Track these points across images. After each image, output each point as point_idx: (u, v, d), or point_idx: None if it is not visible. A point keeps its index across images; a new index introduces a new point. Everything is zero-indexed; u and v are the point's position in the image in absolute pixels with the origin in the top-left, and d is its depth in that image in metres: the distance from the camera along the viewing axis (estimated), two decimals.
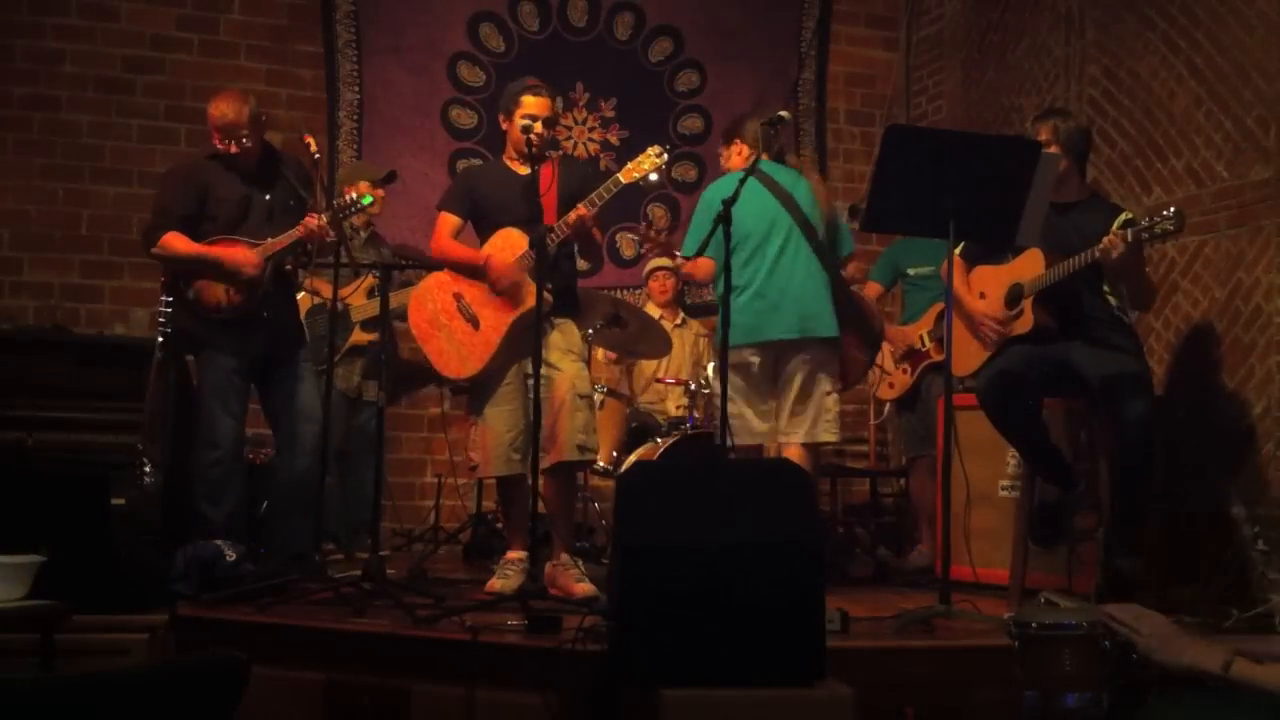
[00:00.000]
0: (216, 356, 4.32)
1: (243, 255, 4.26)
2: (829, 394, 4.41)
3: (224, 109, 4.31)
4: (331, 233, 4.26)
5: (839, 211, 4.70)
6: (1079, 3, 5.48)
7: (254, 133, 4.34)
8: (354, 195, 4.43)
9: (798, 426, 4.38)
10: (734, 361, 4.15)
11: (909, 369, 5.27)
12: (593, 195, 3.95)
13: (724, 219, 3.73)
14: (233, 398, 4.34)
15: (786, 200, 4.44)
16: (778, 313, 4.35)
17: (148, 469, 4.19)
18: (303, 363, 4.53)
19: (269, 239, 4.29)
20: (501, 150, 4.31)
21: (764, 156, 4.32)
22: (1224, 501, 4.33)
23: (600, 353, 5.80)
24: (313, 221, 4.24)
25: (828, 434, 4.42)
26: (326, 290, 4.63)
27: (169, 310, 4.30)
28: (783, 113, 4.12)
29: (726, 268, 3.74)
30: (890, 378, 5.39)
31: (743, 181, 3.88)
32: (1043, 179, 3.74)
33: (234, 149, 4.31)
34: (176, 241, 4.27)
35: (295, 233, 4.27)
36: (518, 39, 6.64)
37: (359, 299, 5.26)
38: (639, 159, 4.01)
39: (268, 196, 4.41)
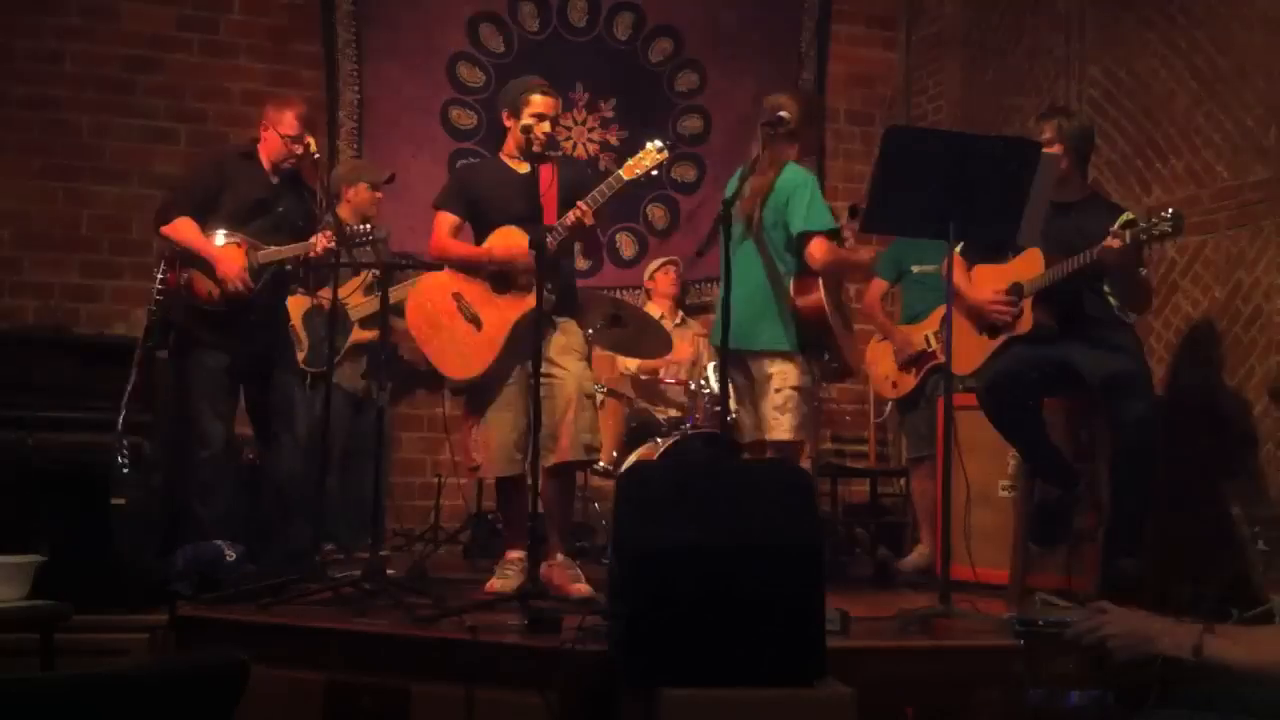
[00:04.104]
0: (205, 356, 4.34)
1: (235, 270, 4.27)
2: (778, 391, 4.19)
3: (297, 108, 4.41)
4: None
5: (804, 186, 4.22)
6: (1079, 3, 5.48)
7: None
8: (367, 226, 4.50)
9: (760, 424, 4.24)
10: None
11: (915, 371, 5.25)
12: (593, 193, 3.95)
13: (724, 219, 3.74)
14: (221, 399, 4.36)
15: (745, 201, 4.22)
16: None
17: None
18: (290, 365, 4.55)
19: (271, 247, 4.32)
20: (499, 148, 4.31)
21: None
22: (1224, 501, 4.33)
23: (617, 369, 5.77)
24: (321, 243, 4.26)
25: (780, 432, 4.19)
26: (322, 290, 4.63)
27: (159, 297, 4.32)
28: (783, 113, 4.12)
29: (726, 267, 3.74)
30: (894, 377, 5.38)
31: (742, 179, 4.04)
32: (1043, 179, 3.73)
33: (299, 150, 4.37)
34: (186, 228, 4.31)
35: (300, 248, 4.31)
36: (517, 39, 6.63)
37: (356, 298, 5.26)
38: (639, 156, 4.02)
39: (281, 208, 4.46)
